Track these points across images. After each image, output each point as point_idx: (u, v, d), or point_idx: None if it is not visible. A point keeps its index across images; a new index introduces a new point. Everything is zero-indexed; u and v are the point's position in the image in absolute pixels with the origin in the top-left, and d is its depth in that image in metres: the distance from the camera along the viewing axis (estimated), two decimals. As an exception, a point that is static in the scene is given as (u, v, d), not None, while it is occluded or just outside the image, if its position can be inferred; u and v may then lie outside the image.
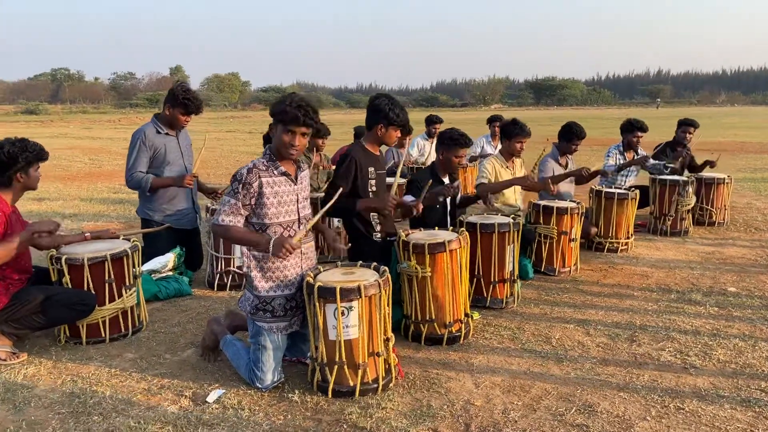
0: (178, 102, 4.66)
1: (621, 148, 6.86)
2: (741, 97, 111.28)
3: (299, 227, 3.18)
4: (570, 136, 5.92)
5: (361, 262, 3.36)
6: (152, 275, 4.55)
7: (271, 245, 2.95)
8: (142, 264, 4.48)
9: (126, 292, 3.80)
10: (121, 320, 3.81)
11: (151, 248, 4.71)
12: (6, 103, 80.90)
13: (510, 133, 5.34)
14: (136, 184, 4.62)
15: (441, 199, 4.36)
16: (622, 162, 6.77)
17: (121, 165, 14.25)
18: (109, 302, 3.73)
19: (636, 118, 6.98)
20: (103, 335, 3.74)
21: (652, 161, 6.94)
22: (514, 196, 5.32)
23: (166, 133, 4.74)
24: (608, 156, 6.88)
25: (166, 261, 4.67)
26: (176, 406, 2.97)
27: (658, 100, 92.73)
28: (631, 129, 6.77)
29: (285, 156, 3.12)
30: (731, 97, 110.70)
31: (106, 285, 3.70)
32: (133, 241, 3.97)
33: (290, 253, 2.97)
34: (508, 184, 5.35)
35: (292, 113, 2.99)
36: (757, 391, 3.07)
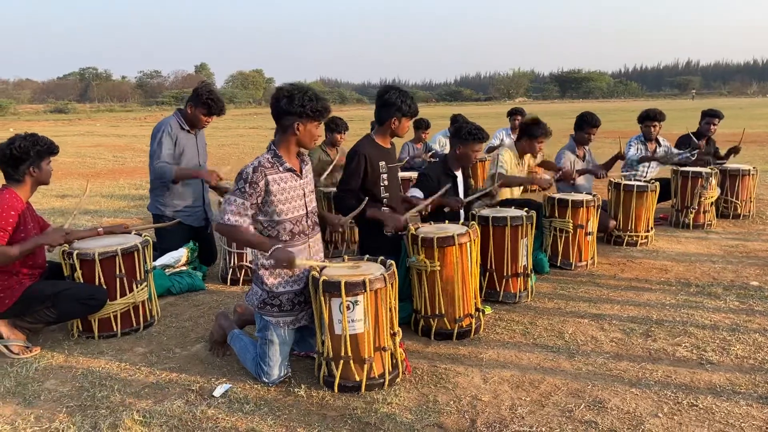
0: (201, 102, 4.69)
1: (642, 139, 6.75)
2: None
3: (306, 221, 3.17)
4: (582, 124, 5.93)
5: (368, 256, 3.33)
6: (165, 270, 4.59)
7: (272, 254, 2.88)
8: (156, 259, 4.54)
9: (137, 287, 3.82)
10: (132, 315, 3.84)
11: (164, 243, 4.74)
12: (36, 102, 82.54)
13: (533, 134, 5.30)
14: (160, 173, 4.63)
15: (446, 210, 4.32)
16: (644, 153, 6.65)
17: (145, 161, 14.49)
18: (120, 297, 3.75)
19: (652, 107, 6.86)
20: (115, 329, 3.78)
21: (676, 151, 6.80)
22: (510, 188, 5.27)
23: (187, 131, 4.78)
24: (630, 146, 6.78)
25: (179, 256, 4.70)
26: (183, 400, 2.98)
27: (693, 91, 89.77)
28: (643, 119, 6.70)
29: (310, 147, 3.19)
30: (763, 88, 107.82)
31: (117, 280, 3.73)
32: (145, 236, 3.99)
33: (287, 268, 2.94)
34: (528, 181, 5.29)
35: (325, 107, 3.06)
36: (776, 388, 2.97)
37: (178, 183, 4.71)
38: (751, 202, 6.96)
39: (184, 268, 4.74)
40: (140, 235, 4.02)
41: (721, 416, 2.73)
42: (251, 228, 3.04)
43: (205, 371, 3.30)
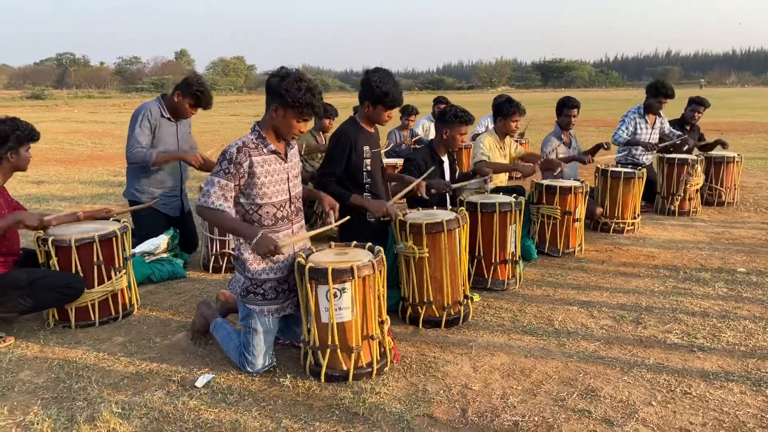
0: (191, 92, 4.53)
1: (641, 111, 6.62)
2: (751, 77, 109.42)
3: (290, 207, 3.06)
4: (561, 108, 5.97)
5: (355, 242, 3.24)
6: (145, 257, 4.45)
7: (255, 242, 2.76)
8: (135, 246, 4.40)
9: (116, 275, 3.69)
10: (111, 303, 3.72)
11: (143, 230, 4.60)
12: (12, 88, 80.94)
13: (506, 112, 5.20)
14: (140, 158, 4.46)
15: (433, 192, 4.23)
16: (644, 126, 6.53)
17: (124, 148, 14.18)
18: (98, 285, 3.62)
19: (665, 82, 6.73)
20: (93, 318, 3.65)
21: (668, 129, 6.74)
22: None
23: (168, 118, 4.62)
24: (624, 121, 6.64)
25: (159, 243, 4.56)
26: (164, 390, 2.87)
27: (702, 80, 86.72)
28: (656, 93, 6.52)
29: (287, 139, 3.03)
30: (741, 78, 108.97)
31: (95, 267, 3.60)
32: (123, 222, 3.86)
33: (272, 256, 2.81)
34: (510, 168, 5.24)
35: (318, 107, 2.90)
36: (768, 375, 2.95)
37: (159, 167, 4.56)
38: (735, 189, 6.98)
39: (164, 255, 4.60)
40: (119, 221, 3.88)
41: (715, 404, 2.69)
42: (233, 213, 2.93)
43: (186, 361, 3.19)
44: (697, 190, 6.46)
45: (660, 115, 6.70)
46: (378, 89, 3.62)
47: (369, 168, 3.79)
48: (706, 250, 5.12)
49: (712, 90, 62.75)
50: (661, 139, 6.75)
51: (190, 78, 4.62)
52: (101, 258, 3.61)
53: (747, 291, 4.12)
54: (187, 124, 4.88)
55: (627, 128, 6.58)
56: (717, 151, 7.13)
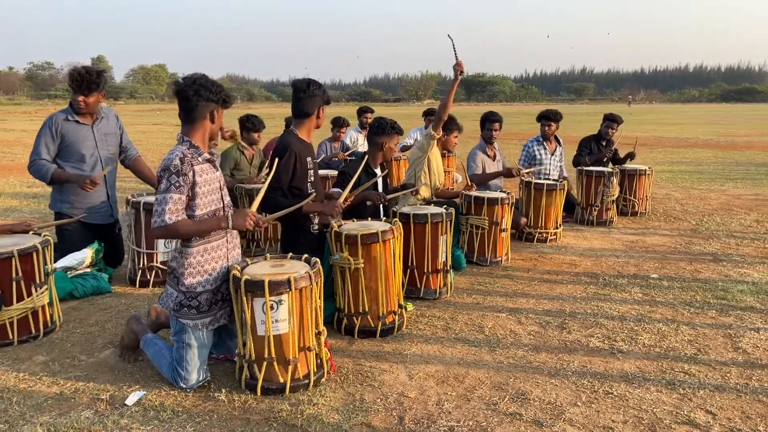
0: (69, 81, 4.38)
1: (540, 139, 6.94)
2: (658, 95, 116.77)
3: (224, 213, 3.03)
4: (483, 122, 6.19)
5: (291, 254, 3.24)
6: (67, 273, 4.26)
7: (231, 220, 2.93)
8: (57, 261, 4.20)
9: (36, 291, 3.52)
10: (31, 321, 3.54)
11: (66, 244, 4.41)
12: None
13: (450, 128, 5.43)
14: (36, 171, 4.33)
15: (368, 204, 4.31)
16: (543, 152, 6.82)
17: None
18: (17, 302, 3.44)
19: (551, 108, 7.10)
20: (11, 338, 3.46)
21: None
22: (429, 190, 5.32)
23: (77, 121, 4.42)
24: (523, 150, 6.97)
25: (82, 257, 4.38)
26: (91, 410, 2.77)
27: (630, 96, 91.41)
28: (540, 119, 6.91)
29: (215, 138, 3.15)
30: (649, 95, 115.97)
31: (14, 283, 3.42)
32: (45, 236, 3.69)
33: (255, 221, 2.98)
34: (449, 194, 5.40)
35: (232, 96, 3.05)
36: (681, 374, 3.16)
37: (57, 184, 4.42)
38: (647, 200, 7.43)
39: (88, 270, 4.42)
40: (39, 235, 3.71)
41: (635, 402, 2.87)
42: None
43: (115, 379, 3.09)
44: (613, 201, 6.84)
45: (560, 143, 7.02)
46: (323, 92, 3.78)
47: (312, 179, 3.81)
48: (623, 258, 5.43)
49: (624, 106, 66.24)
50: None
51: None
52: (20, 273, 3.44)
53: (659, 295, 4.41)
54: (113, 125, 4.67)
55: (525, 157, 6.90)
56: (630, 164, 7.58)
